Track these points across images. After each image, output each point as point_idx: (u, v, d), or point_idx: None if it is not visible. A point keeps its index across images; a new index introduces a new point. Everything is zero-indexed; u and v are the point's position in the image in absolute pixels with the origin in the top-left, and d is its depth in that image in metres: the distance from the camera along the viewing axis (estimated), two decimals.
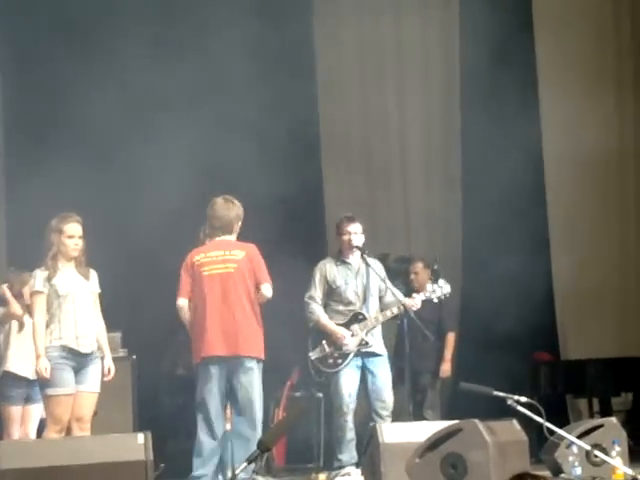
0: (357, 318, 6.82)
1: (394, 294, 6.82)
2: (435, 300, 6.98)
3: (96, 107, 8.12)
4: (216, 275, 5.93)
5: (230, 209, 6.00)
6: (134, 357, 7.30)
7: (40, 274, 5.83)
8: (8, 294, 6.61)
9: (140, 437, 5.07)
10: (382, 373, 6.78)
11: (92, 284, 5.95)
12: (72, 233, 5.86)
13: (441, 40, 9.51)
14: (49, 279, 5.78)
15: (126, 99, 8.16)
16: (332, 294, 6.87)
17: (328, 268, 6.91)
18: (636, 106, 9.15)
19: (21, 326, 6.53)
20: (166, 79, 8.31)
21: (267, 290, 5.95)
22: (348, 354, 6.75)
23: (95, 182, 8.05)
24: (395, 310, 6.79)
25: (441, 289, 6.94)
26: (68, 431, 5.77)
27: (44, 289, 5.79)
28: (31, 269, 5.91)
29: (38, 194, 7.77)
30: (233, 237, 6.03)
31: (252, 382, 5.89)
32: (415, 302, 6.79)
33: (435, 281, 7.38)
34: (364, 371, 6.78)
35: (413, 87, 9.50)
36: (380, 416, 6.69)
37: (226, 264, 5.92)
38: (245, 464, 3.88)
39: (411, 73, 9.49)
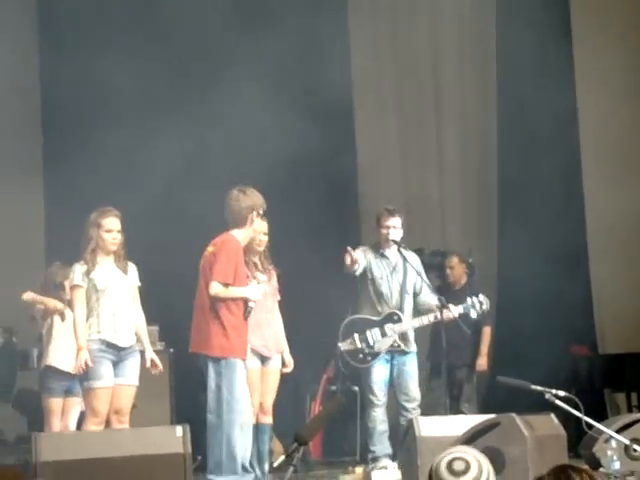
0: (392, 318, 6.80)
1: (432, 295, 6.78)
2: (473, 315, 6.93)
3: (134, 99, 8.17)
4: (199, 271, 5.91)
5: (241, 200, 5.84)
6: (172, 350, 7.34)
7: (79, 268, 5.86)
8: (37, 297, 6.62)
9: (179, 430, 5.10)
10: (408, 368, 6.78)
11: (131, 278, 5.98)
12: (111, 227, 5.89)
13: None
14: (87, 273, 5.82)
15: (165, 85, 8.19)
16: (367, 284, 6.84)
17: (368, 257, 6.86)
18: None
19: (62, 319, 6.59)
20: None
21: (210, 288, 5.70)
22: (379, 352, 6.74)
23: (132, 175, 8.11)
24: (432, 318, 6.77)
25: (481, 305, 6.90)
26: (107, 424, 5.82)
27: (83, 283, 5.83)
28: (72, 263, 5.95)
29: (77, 187, 7.84)
30: (244, 230, 5.86)
31: (208, 380, 5.74)
32: (452, 314, 6.74)
33: (473, 285, 7.34)
34: (392, 365, 6.78)
35: (450, 88, 9.47)
36: (406, 409, 6.70)
37: (202, 260, 5.89)
38: (283, 457, 3.89)
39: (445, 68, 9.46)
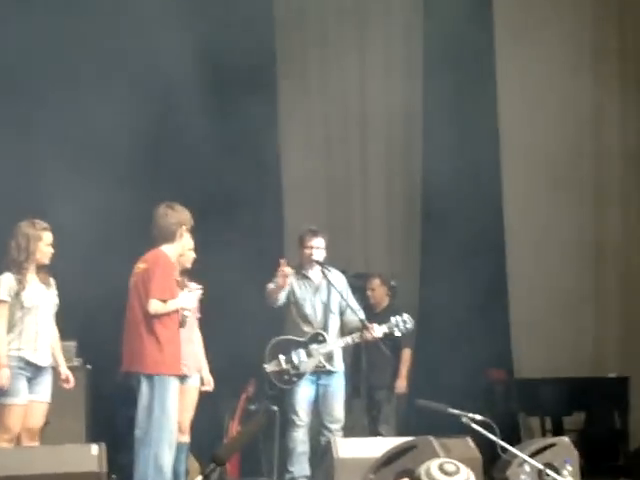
0: (317, 339, 6.81)
1: (355, 313, 6.81)
2: (397, 334, 6.98)
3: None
4: (129, 288, 5.88)
5: (169, 216, 5.84)
6: (89, 367, 7.24)
7: (6, 281, 5.70)
8: None
9: (94, 448, 5.03)
10: (334, 388, 6.80)
11: (53, 294, 5.88)
12: (50, 242, 5.79)
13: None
14: (17, 289, 5.68)
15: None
16: (291, 306, 6.86)
17: (290, 279, 6.89)
18: (594, 90, 9.23)
19: None
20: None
21: (149, 306, 5.69)
22: (304, 373, 6.75)
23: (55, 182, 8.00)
24: (356, 338, 6.80)
25: (405, 323, 6.95)
26: (17, 441, 5.70)
27: (8, 298, 5.68)
28: None
29: None
30: (173, 245, 5.88)
31: (139, 397, 5.71)
32: (377, 334, 6.78)
33: (395, 307, 7.41)
34: (318, 385, 6.79)
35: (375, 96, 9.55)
36: (329, 430, 6.71)
37: (133, 277, 5.87)
38: (199, 478, 3.86)
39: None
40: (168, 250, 5.86)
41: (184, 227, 5.89)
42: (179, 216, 5.88)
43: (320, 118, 9.58)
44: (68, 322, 6.09)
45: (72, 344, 7.06)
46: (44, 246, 5.77)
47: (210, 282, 6.40)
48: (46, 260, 5.79)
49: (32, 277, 5.78)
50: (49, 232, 5.80)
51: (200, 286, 6.17)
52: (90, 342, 7.24)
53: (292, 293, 6.85)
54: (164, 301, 5.73)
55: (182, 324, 5.91)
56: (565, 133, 9.11)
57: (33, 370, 5.71)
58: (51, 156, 7.73)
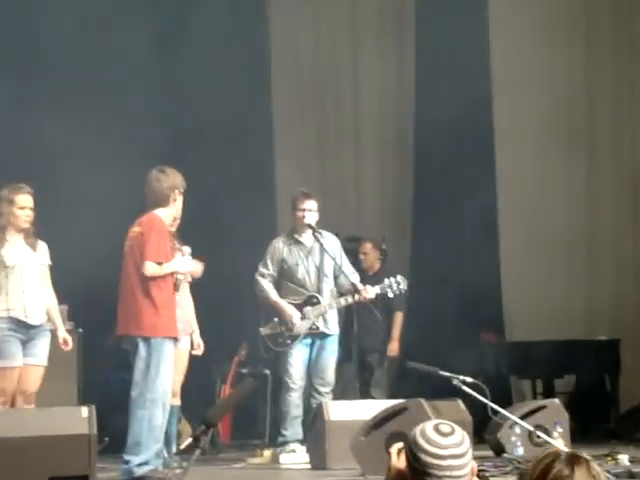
0: (311, 301, 6.81)
1: (348, 277, 6.81)
2: (390, 295, 6.98)
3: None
4: (124, 252, 5.88)
5: (162, 180, 5.83)
6: (80, 330, 7.24)
7: None
8: None
9: (84, 410, 5.04)
10: (327, 352, 6.80)
11: (41, 255, 5.89)
12: (24, 204, 5.78)
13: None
14: None
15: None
16: (284, 273, 6.86)
17: (280, 246, 6.88)
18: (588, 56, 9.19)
19: None
20: None
21: (145, 268, 5.68)
22: (298, 335, 6.76)
23: (46, 150, 7.95)
24: (350, 299, 6.80)
25: (398, 285, 6.93)
26: (12, 404, 5.71)
27: None
28: None
29: None
30: (167, 210, 5.86)
31: (136, 359, 5.70)
32: (369, 295, 6.77)
33: (387, 271, 7.40)
34: (311, 348, 6.80)
35: (367, 59, 9.51)
36: (319, 392, 6.73)
37: (128, 242, 5.86)
38: (190, 439, 3.87)
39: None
40: (162, 214, 5.86)
41: (177, 191, 5.89)
42: (172, 180, 5.87)
43: (311, 80, 9.54)
44: (59, 286, 6.09)
45: (64, 307, 7.04)
46: (17, 210, 5.76)
47: (202, 247, 6.40)
48: (22, 223, 5.78)
49: (14, 238, 5.79)
50: (26, 195, 5.78)
51: (189, 248, 6.16)
52: (81, 306, 7.24)
53: (284, 261, 6.84)
54: (160, 264, 5.74)
55: (176, 288, 5.92)
56: (557, 83, 9.02)
57: (25, 331, 5.71)
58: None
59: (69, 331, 6.78)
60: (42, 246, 5.91)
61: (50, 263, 5.92)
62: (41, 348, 5.76)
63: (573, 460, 2.28)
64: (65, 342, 5.90)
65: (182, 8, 8.81)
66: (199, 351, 6.38)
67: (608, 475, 4.62)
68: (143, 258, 5.70)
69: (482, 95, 9.00)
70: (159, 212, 5.86)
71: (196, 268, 6.11)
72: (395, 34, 9.53)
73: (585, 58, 9.18)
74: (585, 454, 2.31)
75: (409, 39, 9.46)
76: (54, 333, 5.90)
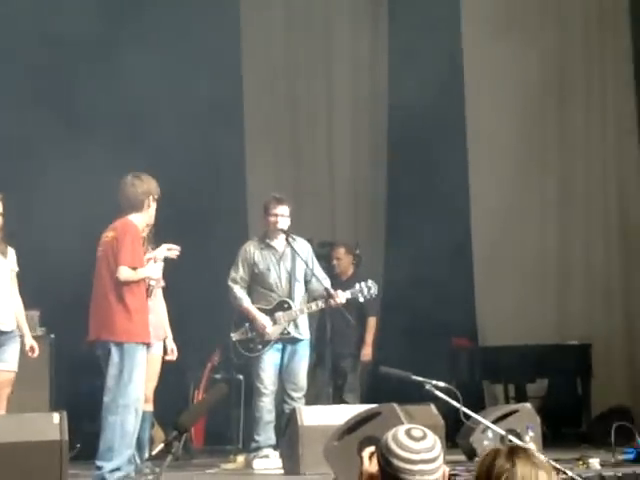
0: (282, 306, 6.82)
1: (320, 282, 6.82)
2: (361, 299, 6.99)
3: None
4: (98, 257, 5.86)
5: (137, 186, 5.84)
6: (52, 336, 7.20)
7: None
8: None
9: (55, 417, 5.01)
10: (299, 357, 6.81)
11: (10, 261, 5.86)
12: None
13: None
14: None
15: None
16: (256, 278, 6.86)
17: (252, 251, 6.88)
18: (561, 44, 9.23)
19: None
20: None
21: (120, 273, 5.68)
22: (270, 340, 6.76)
23: (17, 157, 7.92)
24: (321, 304, 6.81)
25: (369, 289, 6.95)
26: None
27: None
28: None
29: None
30: (141, 215, 5.86)
31: (109, 365, 5.69)
32: (340, 300, 6.78)
33: (360, 276, 7.42)
34: (283, 353, 6.80)
35: (341, 66, 9.53)
36: (292, 398, 6.73)
37: (101, 247, 5.85)
38: (162, 445, 3.86)
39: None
40: (136, 219, 5.87)
41: (151, 197, 5.90)
42: (147, 186, 5.89)
43: (284, 75, 9.54)
44: (31, 291, 6.06)
45: (35, 313, 7.02)
46: None
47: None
48: None
49: None
50: None
51: (168, 246, 6.12)
52: (53, 311, 7.20)
53: (255, 265, 6.84)
54: (134, 269, 5.74)
55: (149, 294, 5.92)
56: (529, 69, 9.05)
57: None
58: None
59: (40, 337, 6.76)
60: (11, 252, 5.89)
61: (17, 269, 5.90)
62: (11, 354, 5.74)
63: (513, 453, 2.31)
64: (32, 349, 5.89)
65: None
66: (173, 356, 6.37)
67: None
68: (117, 263, 5.69)
69: (456, 93, 9.04)
70: (133, 217, 5.85)
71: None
72: (370, 27, 9.54)
73: (559, 48, 9.20)
74: (524, 445, 2.34)
75: (382, 33, 9.46)
76: (23, 339, 5.87)
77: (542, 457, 2.30)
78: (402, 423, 5.18)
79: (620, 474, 5.67)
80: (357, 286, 6.95)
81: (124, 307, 5.70)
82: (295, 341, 6.81)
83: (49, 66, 8.48)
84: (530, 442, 5.96)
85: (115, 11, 8.59)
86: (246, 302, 6.81)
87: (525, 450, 2.32)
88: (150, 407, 6.25)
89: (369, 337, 8.02)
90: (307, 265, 6.85)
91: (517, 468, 2.29)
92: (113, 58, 8.35)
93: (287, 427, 6.21)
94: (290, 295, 6.84)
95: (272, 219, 6.85)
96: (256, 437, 6.74)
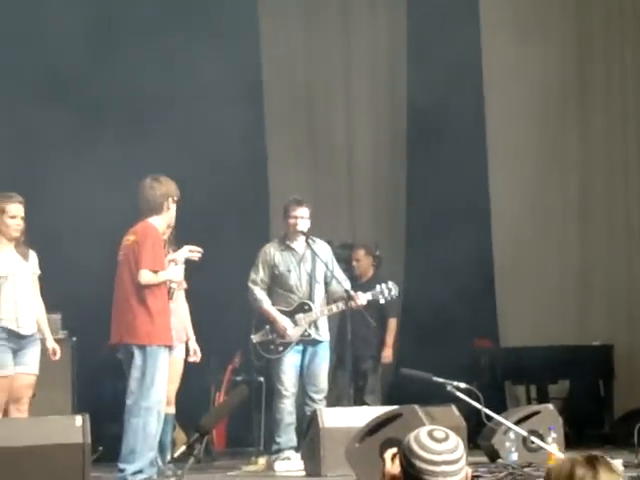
0: (302, 308, 6.82)
1: (340, 284, 6.81)
2: (382, 301, 6.98)
3: None
4: (119, 261, 5.89)
5: (155, 188, 5.86)
6: (74, 339, 7.24)
7: None
8: None
9: (78, 419, 5.03)
10: (320, 359, 6.81)
11: (32, 265, 5.89)
12: (15, 213, 5.78)
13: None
14: None
15: None
16: (276, 280, 6.87)
17: (272, 252, 6.89)
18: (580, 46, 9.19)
19: None
20: None
21: (141, 276, 5.71)
22: (290, 342, 6.76)
23: (33, 159, 7.96)
24: (341, 306, 6.81)
25: (389, 291, 6.94)
26: (5, 413, 5.71)
27: None
28: None
29: None
30: (161, 217, 5.88)
31: (132, 368, 5.71)
32: (361, 302, 6.77)
33: (380, 277, 7.41)
34: (304, 355, 6.80)
35: (360, 78, 9.53)
36: (313, 400, 6.73)
37: (122, 250, 5.87)
38: (184, 447, 3.87)
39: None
40: (156, 222, 5.89)
41: (170, 199, 5.91)
42: (165, 188, 5.91)
43: (303, 78, 9.55)
44: (53, 295, 6.08)
45: (57, 316, 7.06)
46: (8, 219, 5.76)
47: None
48: (13, 232, 5.78)
49: (5, 248, 5.79)
50: (17, 204, 5.79)
51: (190, 247, 6.12)
52: (75, 314, 7.23)
53: (275, 267, 6.85)
54: (155, 272, 5.76)
55: (170, 296, 5.94)
56: (549, 67, 9.02)
57: (16, 340, 5.71)
58: None
59: (62, 340, 6.79)
60: (33, 255, 5.91)
61: (39, 272, 5.92)
62: (32, 357, 5.76)
63: (592, 461, 2.29)
64: (54, 352, 5.92)
65: None
66: (196, 358, 6.39)
67: None
68: (138, 266, 5.72)
69: (476, 92, 9.01)
70: (153, 220, 5.88)
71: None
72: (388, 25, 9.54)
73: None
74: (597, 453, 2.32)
75: (400, 33, 9.46)
76: (44, 342, 5.90)
77: (616, 463, 2.30)
78: (423, 424, 5.16)
79: None
80: (377, 288, 6.94)
81: (146, 310, 5.73)
82: (315, 343, 6.81)
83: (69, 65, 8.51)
84: (552, 443, 5.94)
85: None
86: (266, 304, 6.82)
87: (602, 457, 2.30)
88: (172, 409, 6.26)
89: (390, 339, 8.01)
90: (327, 267, 6.85)
91: (600, 475, 2.27)
92: (134, 58, 8.38)
93: (308, 429, 6.21)
94: (310, 297, 6.84)
95: (292, 221, 6.86)
96: (277, 439, 6.75)
